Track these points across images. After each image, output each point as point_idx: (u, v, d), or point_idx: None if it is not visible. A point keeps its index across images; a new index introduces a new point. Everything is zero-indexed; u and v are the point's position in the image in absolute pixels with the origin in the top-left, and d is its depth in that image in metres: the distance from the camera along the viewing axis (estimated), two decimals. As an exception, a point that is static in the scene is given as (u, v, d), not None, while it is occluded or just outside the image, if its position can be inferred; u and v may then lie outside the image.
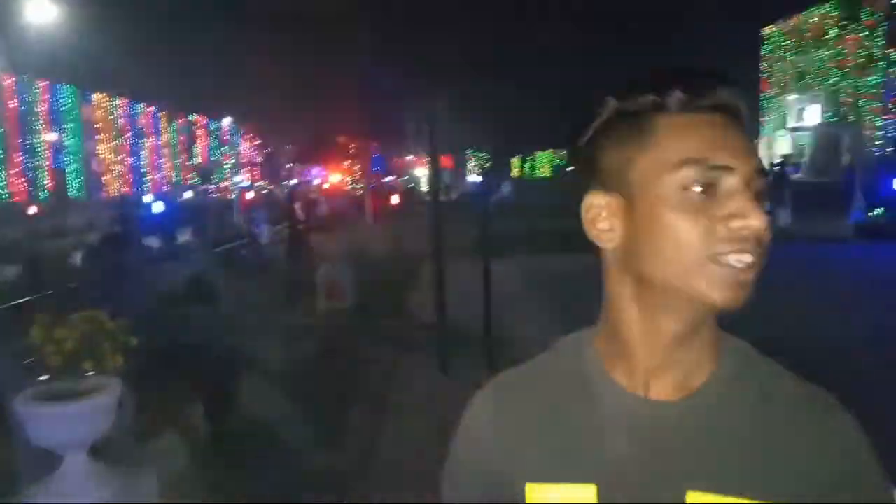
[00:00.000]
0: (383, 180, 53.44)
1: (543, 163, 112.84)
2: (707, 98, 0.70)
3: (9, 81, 41.41)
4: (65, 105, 48.17)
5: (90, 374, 2.79)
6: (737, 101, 0.72)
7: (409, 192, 36.77)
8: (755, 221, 0.66)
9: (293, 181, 41.22)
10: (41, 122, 45.28)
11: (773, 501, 0.68)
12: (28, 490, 2.72)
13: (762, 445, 0.71)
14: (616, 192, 0.72)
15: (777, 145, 56.30)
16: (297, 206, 11.47)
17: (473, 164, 77.84)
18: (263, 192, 38.83)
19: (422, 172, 46.78)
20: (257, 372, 5.35)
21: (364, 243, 12.10)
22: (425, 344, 6.03)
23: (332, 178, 46.91)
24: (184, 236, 15.65)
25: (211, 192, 46.85)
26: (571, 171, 0.78)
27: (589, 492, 0.72)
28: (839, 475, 0.70)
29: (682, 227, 0.68)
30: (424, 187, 39.90)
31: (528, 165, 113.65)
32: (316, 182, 47.37)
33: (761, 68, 55.92)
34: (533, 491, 0.74)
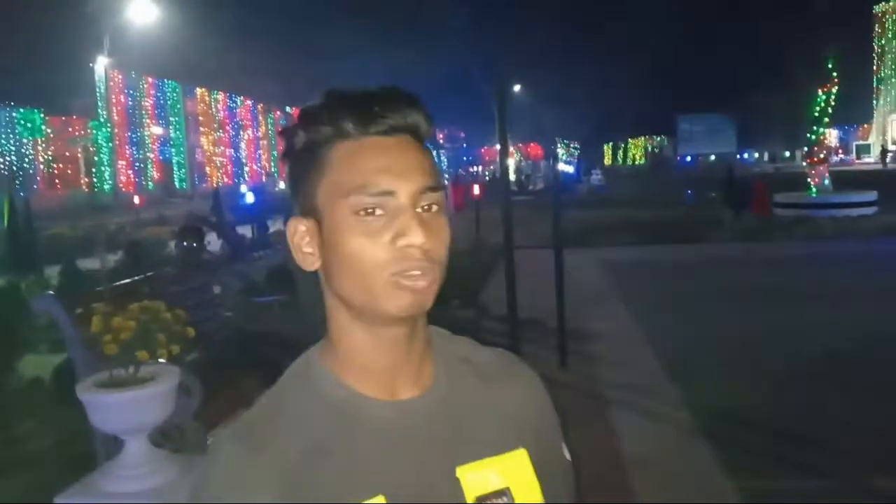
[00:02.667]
0: (470, 170, 53.53)
1: (636, 150, 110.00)
2: (378, 124, 0.74)
3: (118, 78, 43.82)
4: (169, 100, 50.55)
5: (156, 361, 2.85)
6: (413, 121, 0.76)
7: (494, 182, 36.62)
8: (416, 238, 0.71)
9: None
10: (147, 116, 47.70)
11: (511, 449, 0.80)
12: (91, 473, 2.82)
13: (488, 408, 0.83)
14: (311, 217, 0.77)
15: (891, 130, 52.73)
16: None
17: (563, 152, 76.77)
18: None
19: (510, 162, 46.40)
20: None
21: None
22: (497, 335, 5.95)
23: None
24: (275, 226, 16.11)
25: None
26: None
27: (379, 502, 0.73)
28: (540, 418, 0.87)
29: (357, 250, 0.73)
30: (511, 177, 39.69)
31: (620, 153, 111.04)
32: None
33: (874, 48, 52.50)
34: None
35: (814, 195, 17.18)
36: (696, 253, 11.60)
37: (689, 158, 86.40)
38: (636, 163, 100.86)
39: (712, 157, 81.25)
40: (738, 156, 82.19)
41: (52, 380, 5.08)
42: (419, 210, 0.73)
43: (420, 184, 0.74)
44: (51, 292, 5.03)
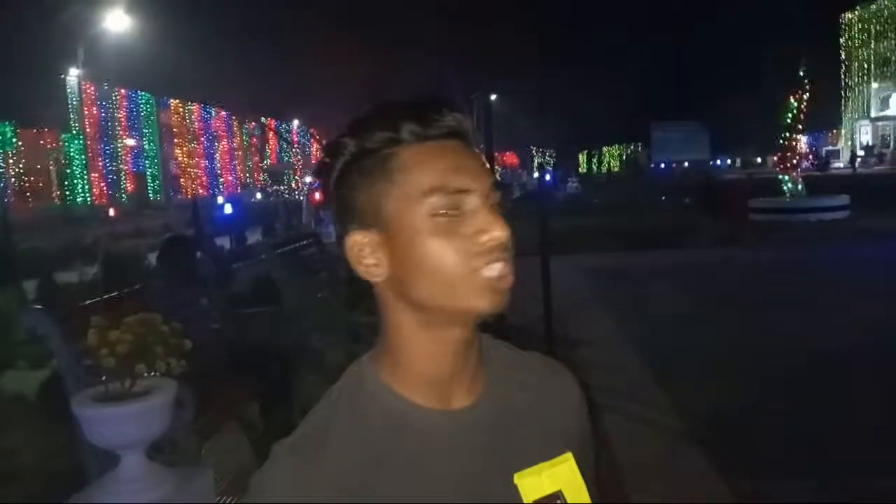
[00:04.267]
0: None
1: (611, 158, 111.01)
2: (436, 127, 0.76)
3: (90, 90, 43.32)
4: (143, 111, 50.09)
5: (149, 375, 2.82)
6: (463, 125, 0.78)
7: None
8: (498, 232, 0.74)
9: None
10: (121, 127, 47.20)
11: (560, 453, 0.82)
12: (86, 489, 2.78)
13: (536, 412, 0.85)
14: (374, 227, 0.77)
15: (859, 135, 53.77)
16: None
17: (539, 160, 77.13)
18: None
19: (487, 170, 46.51)
20: (314, 369, 5.38)
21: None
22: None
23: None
24: (253, 236, 16.00)
25: (281, 193, 48.03)
26: (333, 209, 0.81)
27: None
28: (579, 416, 0.90)
29: (438, 251, 0.73)
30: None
31: (595, 160, 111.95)
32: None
33: (841, 55, 53.60)
34: None
35: (788, 200, 17.48)
36: (675, 258, 11.72)
37: (662, 165, 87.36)
38: (611, 170, 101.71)
39: (686, 164, 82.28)
40: (710, 162, 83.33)
41: (37, 395, 4.99)
42: (493, 206, 0.76)
43: (489, 181, 0.76)
44: (38, 307, 4.95)
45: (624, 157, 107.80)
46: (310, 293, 7.00)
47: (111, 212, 25.97)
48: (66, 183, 41.26)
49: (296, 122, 56.13)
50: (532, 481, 0.80)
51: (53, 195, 40.19)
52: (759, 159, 76.12)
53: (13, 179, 37.68)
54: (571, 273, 10.41)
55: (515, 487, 0.78)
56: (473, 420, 0.79)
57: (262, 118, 56.60)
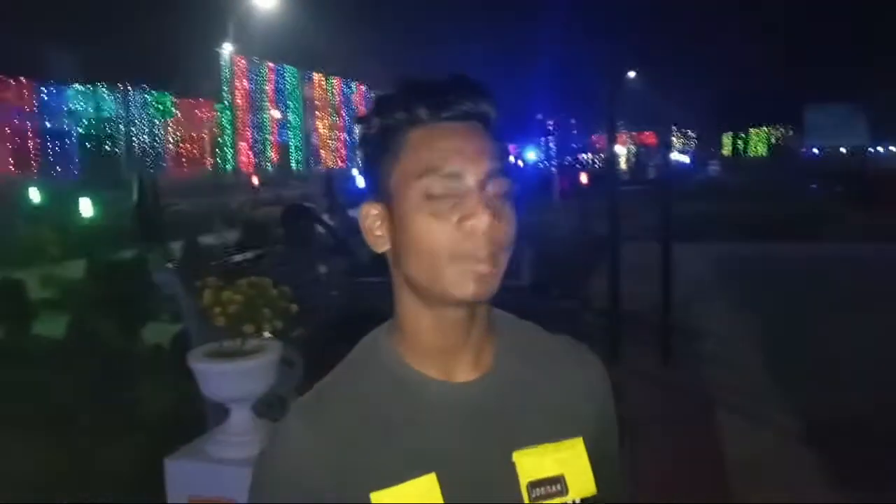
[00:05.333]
0: (579, 157, 52.69)
1: (758, 140, 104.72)
2: (451, 110, 0.76)
3: (241, 63, 45.87)
4: (288, 85, 52.47)
5: (261, 335, 2.98)
6: (480, 108, 0.78)
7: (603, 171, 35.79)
8: (481, 221, 0.72)
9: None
10: (268, 100, 49.73)
11: (569, 437, 0.81)
12: (198, 439, 2.99)
13: (549, 395, 0.83)
14: (382, 201, 0.79)
15: None
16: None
17: (679, 141, 74.12)
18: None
19: (621, 150, 45.39)
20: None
21: (546, 222, 11.99)
22: (597, 328, 5.84)
23: (526, 155, 46.92)
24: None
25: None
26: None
27: (430, 482, 0.75)
28: (599, 405, 0.87)
29: (426, 232, 0.74)
30: (622, 165, 38.70)
31: (740, 143, 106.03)
32: (510, 159, 47.64)
33: None
34: (379, 498, 0.75)
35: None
36: (817, 252, 10.94)
37: (815, 150, 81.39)
38: (758, 154, 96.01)
39: (842, 150, 76.21)
40: (870, 149, 76.69)
41: (170, 347, 5.42)
42: (487, 193, 0.75)
43: (487, 167, 0.75)
44: (169, 266, 5.35)
45: (772, 140, 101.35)
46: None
47: (255, 180, 27.44)
48: (216, 151, 44.09)
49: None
50: (532, 461, 0.79)
51: (206, 162, 43.04)
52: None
53: (171, 146, 40.67)
54: (697, 262, 9.97)
55: (513, 465, 0.78)
56: (475, 394, 0.80)
57: (399, 93, 57.77)
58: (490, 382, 0.81)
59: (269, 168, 47.73)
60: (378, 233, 0.81)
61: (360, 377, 0.81)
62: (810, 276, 9.03)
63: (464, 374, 0.81)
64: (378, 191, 0.80)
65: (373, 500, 0.75)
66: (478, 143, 0.76)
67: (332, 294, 5.24)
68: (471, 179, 0.74)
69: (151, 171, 25.27)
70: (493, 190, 0.75)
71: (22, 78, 31.63)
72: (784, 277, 8.98)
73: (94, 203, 15.82)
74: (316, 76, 55.63)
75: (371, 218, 0.81)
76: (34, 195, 20.53)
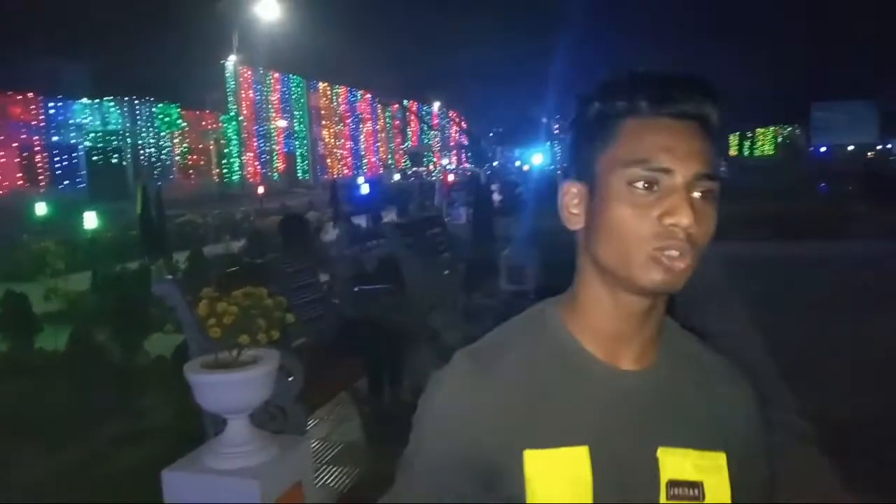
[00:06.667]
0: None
1: (765, 140, 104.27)
2: (671, 106, 0.77)
3: (247, 74, 46.06)
4: (294, 94, 52.63)
5: (256, 345, 2.95)
6: (703, 109, 0.78)
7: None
8: (683, 219, 0.74)
9: (495, 163, 41.80)
10: (273, 109, 49.89)
11: (713, 450, 0.82)
12: (196, 450, 2.96)
13: (701, 406, 0.84)
14: (585, 182, 0.82)
15: None
16: (495, 187, 11.60)
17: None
18: (467, 173, 39.90)
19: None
20: (428, 348, 5.45)
21: (552, 227, 11.94)
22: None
23: (534, 159, 46.96)
24: (388, 216, 16.46)
25: (420, 175, 48.89)
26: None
27: (582, 453, 0.78)
28: (747, 431, 0.87)
29: (623, 218, 0.76)
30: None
31: (746, 143, 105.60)
32: (517, 164, 47.64)
33: None
34: (532, 457, 0.78)
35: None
36: (827, 250, 10.84)
37: (823, 149, 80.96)
38: (765, 154, 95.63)
39: (850, 148, 75.78)
40: (879, 146, 76.21)
41: (172, 359, 5.40)
42: (693, 195, 0.76)
43: (697, 169, 0.76)
44: (170, 277, 5.34)
45: (780, 139, 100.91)
46: (431, 273, 7.08)
47: (260, 189, 27.54)
48: (223, 162, 44.23)
49: (436, 105, 57.05)
50: (675, 461, 0.81)
51: (213, 173, 43.18)
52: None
53: (178, 158, 40.84)
54: (706, 261, 9.87)
55: (656, 460, 0.80)
56: (636, 385, 0.82)
57: (405, 101, 57.93)
58: (650, 378, 0.83)
59: (276, 177, 47.83)
60: (575, 210, 0.84)
61: (528, 341, 0.84)
62: (825, 275, 8.94)
63: (628, 363, 0.83)
64: (581, 171, 0.82)
65: (526, 457, 0.78)
66: (691, 144, 0.77)
67: (334, 302, 5.21)
68: (678, 178, 0.75)
69: (159, 182, 25.32)
70: (699, 191, 0.77)
71: (30, 94, 31.86)
72: (796, 277, 8.89)
73: (100, 215, 15.88)
74: (321, 85, 55.78)
75: (570, 195, 0.84)
76: (40, 209, 20.66)
